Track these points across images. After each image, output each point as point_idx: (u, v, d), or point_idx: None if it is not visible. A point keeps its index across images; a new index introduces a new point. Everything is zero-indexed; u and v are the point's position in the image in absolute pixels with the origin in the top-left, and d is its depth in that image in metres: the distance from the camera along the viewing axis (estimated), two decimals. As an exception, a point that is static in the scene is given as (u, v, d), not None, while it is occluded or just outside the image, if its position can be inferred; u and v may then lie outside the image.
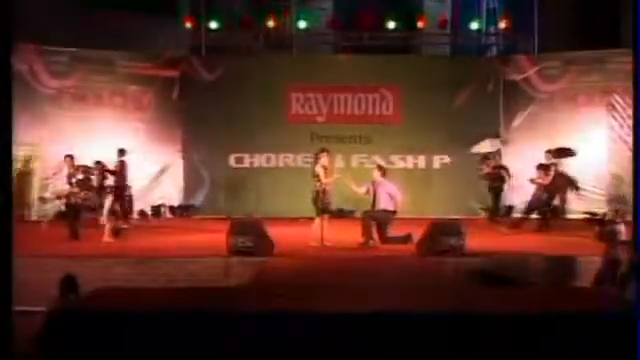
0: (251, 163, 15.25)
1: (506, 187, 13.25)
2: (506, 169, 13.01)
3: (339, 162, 14.24)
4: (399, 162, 15.07)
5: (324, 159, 9.65)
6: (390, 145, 15.07)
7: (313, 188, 9.63)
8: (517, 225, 11.73)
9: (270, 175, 15.06)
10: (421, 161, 15.19)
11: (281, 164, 15.12)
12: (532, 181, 11.82)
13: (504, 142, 14.89)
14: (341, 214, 13.61)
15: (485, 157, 13.31)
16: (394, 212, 9.94)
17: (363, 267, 8.10)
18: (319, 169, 9.61)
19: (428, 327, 4.69)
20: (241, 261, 8.23)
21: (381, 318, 4.80)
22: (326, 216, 9.67)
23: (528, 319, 4.69)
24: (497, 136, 14.94)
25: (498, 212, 12.97)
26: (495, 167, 12.91)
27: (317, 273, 7.75)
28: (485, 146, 14.25)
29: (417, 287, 6.54)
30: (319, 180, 9.54)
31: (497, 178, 12.72)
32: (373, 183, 10.09)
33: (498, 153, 14.03)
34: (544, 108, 14.62)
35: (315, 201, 9.60)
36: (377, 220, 9.94)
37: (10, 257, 4.13)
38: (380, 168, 10.35)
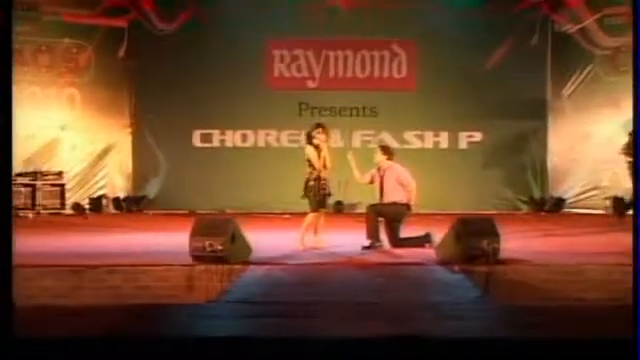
0: (222, 142, 15.37)
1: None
2: None
3: (336, 141, 14.27)
4: (415, 141, 15.24)
5: (319, 137, 9.59)
6: (403, 119, 15.18)
7: (306, 176, 9.58)
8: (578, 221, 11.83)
9: (247, 158, 15.18)
10: (443, 139, 15.33)
11: (261, 143, 15.21)
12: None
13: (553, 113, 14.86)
14: (339, 209, 13.72)
15: None
16: (407, 206, 9.93)
17: (368, 278, 8.04)
18: (311, 152, 9.57)
19: (452, 357, 4.72)
20: (208, 270, 8.17)
21: (391, 345, 4.81)
22: (322, 211, 9.68)
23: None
24: (544, 104, 14.94)
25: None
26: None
27: (308, 286, 7.66)
28: None
29: (437, 305, 6.52)
30: (312, 165, 9.51)
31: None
32: (378, 169, 10.06)
33: None
34: (606, 68, 14.68)
35: (307, 192, 9.58)
36: (386, 216, 9.92)
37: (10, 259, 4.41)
38: (385, 149, 10.26)
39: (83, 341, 4.84)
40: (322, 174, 9.56)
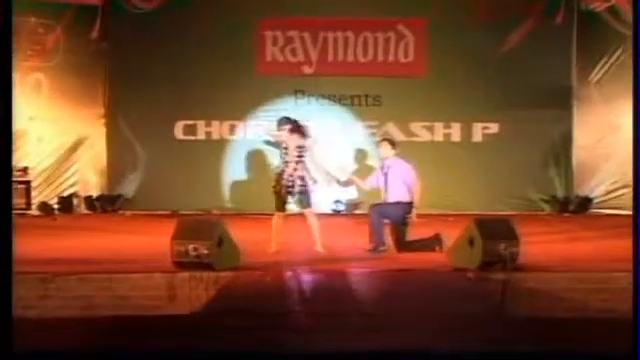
0: (208, 134, 15.42)
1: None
2: None
3: (335, 133, 14.31)
4: (423, 133, 15.33)
5: (283, 133, 9.75)
6: (410, 108, 15.24)
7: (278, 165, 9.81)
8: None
9: (236, 152, 15.12)
10: (455, 131, 15.39)
11: (251, 135, 15.12)
12: None
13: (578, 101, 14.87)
14: (337, 211, 13.83)
15: None
16: (410, 204, 9.96)
17: (371, 286, 8.09)
18: (289, 137, 9.76)
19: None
20: (192, 277, 8.19)
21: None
22: (280, 215, 9.70)
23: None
24: (569, 92, 14.93)
25: None
26: None
27: (304, 296, 7.73)
28: None
29: (448, 316, 6.52)
30: (285, 150, 9.67)
31: None
32: (382, 166, 10.09)
33: None
34: (639, 51, 14.70)
35: (275, 187, 9.71)
36: (391, 218, 9.96)
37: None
38: (390, 143, 10.33)
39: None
40: (298, 166, 9.64)
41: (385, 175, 10.03)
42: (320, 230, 9.76)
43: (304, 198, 9.65)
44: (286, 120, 9.84)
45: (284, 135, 9.68)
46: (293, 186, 9.56)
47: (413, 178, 9.97)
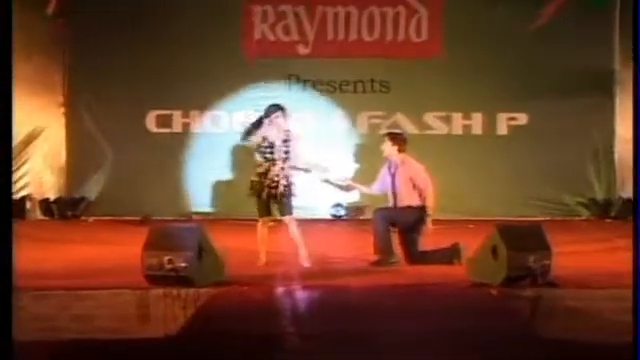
0: (185, 126, 15.39)
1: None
2: None
3: (337, 125, 14.29)
4: (439, 125, 15.35)
5: (276, 122, 9.68)
6: (423, 95, 15.21)
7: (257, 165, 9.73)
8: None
9: (219, 147, 15.10)
10: (477, 123, 15.43)
11: (237, 127, 15.02)
12: None
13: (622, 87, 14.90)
14: (337, 216, 13.85)
15: None
16: (423, 209, 9.97)
17: (377, 304, 8.04)
18: (273, 129, 9.66)
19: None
20: (168, 294, 8.18)
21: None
22: (266, 220, 9.74)
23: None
24: (609, 77, 15.01)
25: None
26: None
27: (298, 315, 7.74)
28: None
29: (468, 339, 6.53)
30: (270, 146, 9.62)
31: None
32: (388, 166, 10.11)
33: None
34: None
35: (255, 190, 9.70)
36: (400, 225, 9.98)
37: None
38: (395, 138, 10.31)
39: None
40: (275, 167, 9.61)
41: (392, 177, 10.05)
42: (304, 240, 9.72)
43: (287, 203, 9.64)
44: (275, 109, 9.77)
45: (271, 127, 9.64)
46: (277, 187, 9.56)
47: (425, 180, 9.97)
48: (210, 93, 15.18)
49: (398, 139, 10.27)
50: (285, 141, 9.60)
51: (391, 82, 15.29)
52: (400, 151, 10.12)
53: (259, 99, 14.57)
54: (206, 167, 15.12)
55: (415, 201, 9.94)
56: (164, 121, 15.33)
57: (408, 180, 9.95)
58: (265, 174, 9.57)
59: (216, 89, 15.12)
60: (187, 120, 15.37)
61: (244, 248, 10.09)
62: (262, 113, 9.71)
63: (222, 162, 15.08)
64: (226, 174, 15.04)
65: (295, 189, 9.65)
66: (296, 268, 9.60)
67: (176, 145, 15.25)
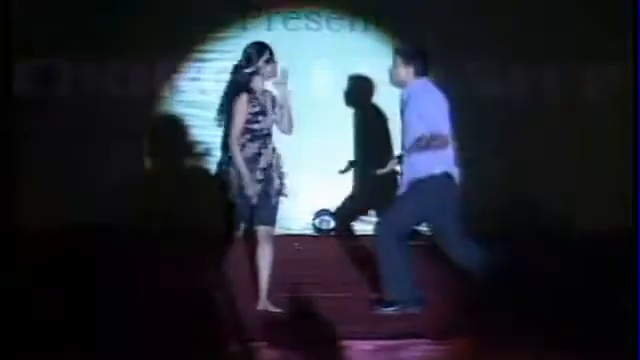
0: (77, 85, 11.98)
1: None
2: None
3: (315, 79, 11.71)
4: (486, 84, 12.06)
5: (265, 71, 7.79)
6: (463, 37, 11.98)
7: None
8: None
9: (133, 120, 11.86)
10: (550, 77, 12.25)
11: (166, 92, 11.92)
12: None
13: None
14: (322, 230, 12.16)
15: None
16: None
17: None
18: (241, 106, 7.73)
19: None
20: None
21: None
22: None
23: None
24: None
25: None
26: None
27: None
28: None
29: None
30: (262, 111, 7.87)
31: None
32: (401, 98, 7.91)
33: None
34: None
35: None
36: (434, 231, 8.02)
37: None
38: (409, 55, 7.92)
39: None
40: (267, 150, 8.04)
41: (401, 113, 7.82)
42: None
43: (276, 205, 8.00)
44: (262, 48, 7.77)
45: (261, 80, 7.77)
46: (271, 181, 7.99)
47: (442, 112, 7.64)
48: (119, 34, 11.59)
49: (411, 57, 7.90)
50: (279, 107, 8.02)
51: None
52: (416, 74, 7.82)
53: (197, 42, 11.79)
54: (115, 154, 11.59)
55: (442, 164, 7.46)
56: (41, 79, 11.66)
57: (424, 122, 7.50)
58: (256, 161, 7.87)
59: (130, 28, 11.63)
60: (79, 75, 11.73)
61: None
62: (253, 57, 7.75)
63: (138, 148, 12.06)
64: (142, 166, 12.13)
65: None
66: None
67: (61, 118, 11.66)
